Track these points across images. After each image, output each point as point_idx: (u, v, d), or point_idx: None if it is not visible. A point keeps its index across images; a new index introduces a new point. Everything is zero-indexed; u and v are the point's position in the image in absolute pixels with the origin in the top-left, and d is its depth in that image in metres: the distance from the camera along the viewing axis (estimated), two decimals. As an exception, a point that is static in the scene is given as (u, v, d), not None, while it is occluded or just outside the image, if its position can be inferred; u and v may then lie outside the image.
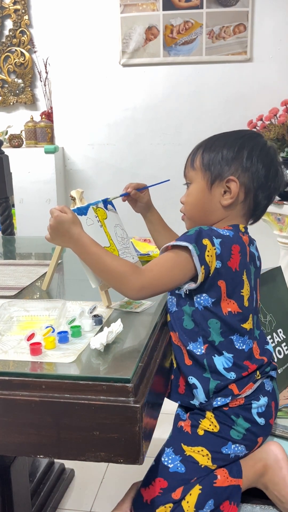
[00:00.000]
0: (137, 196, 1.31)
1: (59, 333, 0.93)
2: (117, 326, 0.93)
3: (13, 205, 3.13)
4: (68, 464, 1.81)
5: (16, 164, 2.62)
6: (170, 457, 1.03)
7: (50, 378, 0.83)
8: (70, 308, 1.09)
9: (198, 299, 1.02)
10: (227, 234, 1.04)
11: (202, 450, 1.02)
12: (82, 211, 1.13)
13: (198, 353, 1.02)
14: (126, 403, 0.79)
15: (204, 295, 1.01)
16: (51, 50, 3.23)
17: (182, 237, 1.01)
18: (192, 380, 1.04)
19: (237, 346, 1.04)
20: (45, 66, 3.33)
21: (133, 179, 3.55)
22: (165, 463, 1.03)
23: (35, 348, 0.89)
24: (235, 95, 3.06)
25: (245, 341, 1.05)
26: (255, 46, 3.00)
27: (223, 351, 1.03)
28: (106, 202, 1.22)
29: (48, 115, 3.34)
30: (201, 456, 1.01)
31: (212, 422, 1.03)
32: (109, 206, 1.24)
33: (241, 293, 1.04)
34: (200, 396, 1.03)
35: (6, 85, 3.44)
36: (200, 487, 0.99)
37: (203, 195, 1.10)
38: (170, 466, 1.02)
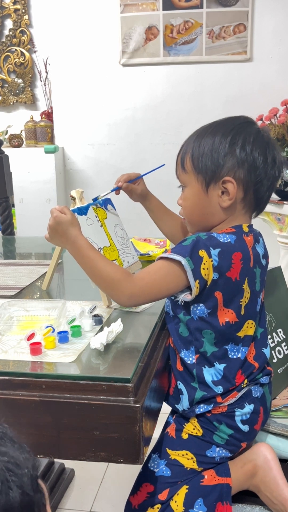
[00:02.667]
0: (130, 188, 1.28)
1: (59, 333, 0.93)
2: (117, 326, 0.93)
3: (13, 205, 3.13)
4: (68, 464, 1.81)
5: (16, 164, 2.62)
6: (156, 462, 1.03)
7: (50, 378, 0.83)
8: (70, 308, 1.09)
9: (194, 309, 0.99)
10: (228, 240, 0.98)
11: (186, 454, 1.01)
12: (82, 211, 1.14)
13: (189, 362, 1.01)
14: (126, 403, 0.79)
15: (200, 305, 0.98)
16: (51, 50, 3.23)
17: (177, 247, 0.97)
18: (180, 385, 1.03)
19: (230, 356, 1.01)
20: (45, 66, 3.33)
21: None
22: (151, 468, 1.03)
23: (35, 348, 0.89)
24: (235, 95, 3.06)
25: (239, 349, 1.02)
26: (255, 46, 3.00)
27: (215, 362, 1.00)
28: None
29: (48, 115, 3.34)
30: (186, 459, 1.01)
31: (195, 427, 1.02)
32: (109, 206, 1.24)
33: (240, 302, 1.00)
34: (184, 402, 1.02)
35: (6, 85, 3.44)
36: (187, 486, 0.99)
37: (200, 199, 1.03)
38: (156, 470, 1.02)
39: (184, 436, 1.03)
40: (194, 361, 1.00)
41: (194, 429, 1.02)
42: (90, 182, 3.31)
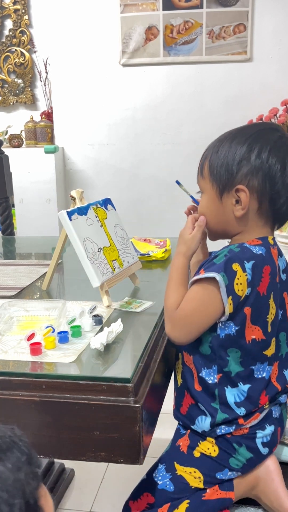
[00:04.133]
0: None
1: (59, 333, 0.93)
2: (117, 326, 0.93)
3: (13, 205, 3.13)
4: (68, 464, 1.81)
5: (16, 164, 2.62)
6: (161, 474, 1.01)
7: (50, 378, 0.83)
8: (70, 308, 1.09)
9: (222, 326, 0.93)
10: (260, 252, 0.93)
11: (195, 472, 0.98)
12: (82, 211, 1.14)
13: (210, 382, 0.95)
14: (126, 403, 0.79)
15: (229, 322, 0.92)
16: (51, 50, 3.23)
17: (210, 266, 0.92)
18: (200, 407, 0.98)
19: (256, 376, 0.96)
20: (45, 66, 3.33)
21: (133, 179, 3.58)
22: (155, 479, 1.00)
23: (35, 348, 0.89)
24: (235, 95, 3.06)
25: (265, 368, 0.97)
26: (255, 46, 3.00)
27: (239, 383, 0.95)
28: (107, 202, 1.22)
29: (48, 115, 3.34)
30: (193, 477, 0.98)
31: (212, 446, 0.97)
32: (109, 206, 1.24)
33: (267, 319, 0.95)
34: (204, 424, 0.97)
35: (6, 85, 3.44)
36: (188, 501, 0.97)
37: (215, 206, 0.99)
38: (159, 482, 1.00)
39: (196, 454, 0.98)
40: (216, 380, 0.95)
41: (209, 448, 0.97)
42: (90, 182, 3.31)
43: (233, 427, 0.96)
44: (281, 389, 1.00)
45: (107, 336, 0.89)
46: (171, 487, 0.99)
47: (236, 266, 0.90)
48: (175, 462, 1.00)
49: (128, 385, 0.80)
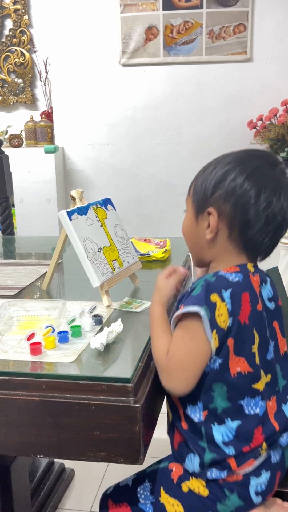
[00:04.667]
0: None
1: (59, 333, 0.93)
2: (117, 326, 0.93)
3: (13, 205, 3.13)
4: (68, 464, 1.81)
5: (16, 164, 2.62)
6: (145, 492, 0.98)
7: (50, 378, 0.83)
8: (70, 308, 1.09)
9: None
10: (237, 279, 0.88)
11: (177, 505, 0.93)
12: (82, 211, 1.14)
13: (196, 419, 0.90)
14: (126, 403, 0.79)
15: (213, 356, 0.87)
16: (51, 50, 3.23)
17: (189, 299, 0.87)
18: (187, 444, 0.92)
19: (247, 412, 0.89)
20: (45, 66, 3.33)
21: (133, 179, 3.59)
22: (138, 495, 0.98)
23: (35, 348, 0.89)
24: (235, 95, 3.06)
25: (258, 403, 0.90)
26: (255, 46, 3.00)
27: (226, 419, 0.89)
28: (107, 202, 1.22)
29: (48, 115, 3.34)
30: (174, 510, 0.94)
31: (202, 486, 0.92)
32: (109, 206, 1.24)
33: (252, 350, 0.89)
34: (194, 464, 0.91)
35: (6, 85, 3.44)
36: None
37: (192, 227, 0.96)
38: (141, 501, 0.97)
39: (185, 488, 0.93)
40: (202, 418, 0.89)
41: (199, 487, 0.92)
42: (90, 182, 3.31)
43: (225, 472, 0.90)
44: (280, 428, 0.92)
45: (107, 336, 0.89)
46: (150, 511, 0.96)
47: (214, 297, 0.85)
48: (161, 488, 0.96)
49: (128, 385, 0.80)
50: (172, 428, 0.98)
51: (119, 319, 0.95)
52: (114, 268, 1.15)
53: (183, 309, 0.86)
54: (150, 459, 1.01)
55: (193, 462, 0.92)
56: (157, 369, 0.90)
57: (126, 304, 1.12)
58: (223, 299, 0.85)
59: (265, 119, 2.84)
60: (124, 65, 3.13)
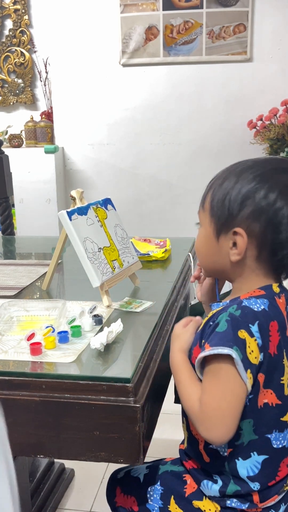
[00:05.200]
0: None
1: (59, 333, 0.93)
2: (117, 326, 0.93)
3: (13, 205, 3.13)
4: (68, 464, 1.81)
5: (16, 164, 2.62)
6: (154, 495, 0.98)
7: (50, 378, 0.83)
8: (70, 308, 1.09)
9: None
10: (262, 308, 0.83)
11: None
12: (82, 211, 1.14)
13: (221, 453, 0.87)
14: (126, 403, 0.79)
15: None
16: (51, 50, 3.23)
17: (214, 338, 0.81)
18: (209, 474, 0.90)
19: (275, 446, 0.85)
20: (45, 66, 3.33)
21: (133, 179, 3.58)
22: (148, 494, 0.98)
23: (35, 348, 0.89)
24: (235, 95, 3.06)
25: (286, 437, 0.86)
26: (255, 46, 3.00)
27: (253, 453, 0.85)
28: (107, 202, 1.22)
29: (48, 115, 3.34)
30: None
31: (216, 509, 0.90)
32: (109, 206, 1.24)
33: (281, 381, 0.84)
34: (212, 490, 0.89)
35: (6, 85, 3.44)
36: None
37: (210, 244, 0.89)
38: (149, 502, 0.98)
39: (196, 505, 0.91)
40: (226, 453, 0.86)
41: (211, 510, 0.90)
42: (90, 182, 3.31)
43: (246, 505, 0.87)
44: None
45: (107, 336, 0.89)
46: None
47: (242, 333, 0.79)
48: (172, 496, 0.95)
49: (128, 385, 0.80)
50: (187, 455, 0.96)
51: (119, 319, 0.95)
52: (114, 268, 1.15)
53: (211, 350, 0.80)
54: (149, 459, 1.02)
55: (210, 488, 0.90)
56: (191, 420, 0.85)
57: (126, 304, 1.12)
58: (252, 335, 0.80)
59: (265, 119, 2.84)
60: (124, 65, 3.13)
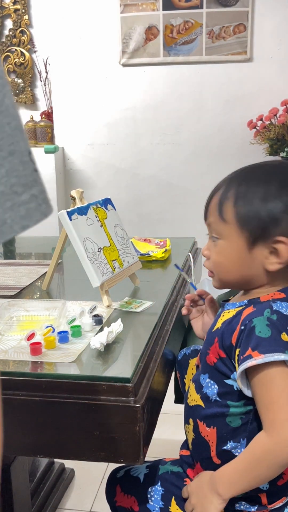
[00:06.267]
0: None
1: (59, 333, 0.93)
2: (117, 326, 0.93)
3: (13, 205, 3.13)
4: (68, 464, 1.81)
5: (16, 164, 2.61)
6: (155, 495, 0.98)
7: (50, 378, 0.83)
8: (70, 308, 1.09)
9: None
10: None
11: None
12: (82, 211, 1.14)
13: (236, 454, 0.87)
14: (126, 403, 0.79)
15: None
16: (51, 50, 3.23)
17: (262, 342, 0.79)
18: None
19: None
20: (45, 66, 3.33)
21: (133, 179, 3.57)
22: (148, 495, 0.98)
23: (35, 348, 0.89)
24: (235, 95, 3.06)
25: None
26: (255, 46, 3.00)
27: None
28: (107, 202, 1.22)
29: (48, 115, 3.34)
30: None
31: None
32: (109, 206, 1.24)
33: None
34: None
35: (6, 85, 3.44)
36: None
37: (240, 256, 0.87)
38: (150, 502, 0.98)
39: None
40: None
41: None
42: (90, 182, 3.31)
43: (255, 507, 0.88)
44: None
45: (107, 336, 0.89)
46: None
47: (285, 336, 0.80)
48: (173, 497, 0.95)
49: (128, 385, 0.80)
50: (192, 460, 0.96)
51: (119, 319, 0.95)
52: (114, 268, 1.15)
53: (265, 358, 0.78)
54: (150, 459, 1.01)
55: None
56: (265, 468, 0.81)
57: (126, 304, 1.12)
58: None
59: (265, 119, 2.84)
60: (124, 65, 3.12)
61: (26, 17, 3.31)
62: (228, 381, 0.86)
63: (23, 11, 3.30)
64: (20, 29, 3.34)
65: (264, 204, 0.84)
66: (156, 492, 0.98)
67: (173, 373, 1.13)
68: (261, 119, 2.85)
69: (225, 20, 2.97)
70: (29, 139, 3.28)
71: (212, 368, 0.89)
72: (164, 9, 2.99)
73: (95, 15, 3.08)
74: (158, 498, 0.98)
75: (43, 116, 3.35)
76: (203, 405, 0.90)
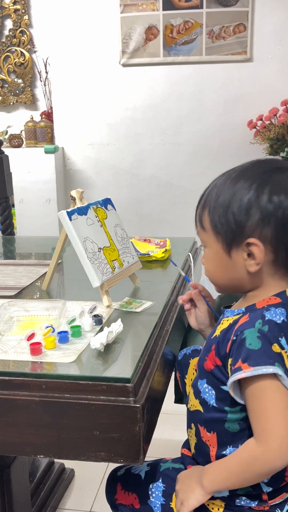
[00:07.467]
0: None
1: (59, 333, 0.93)
2: (117, 326, 0.93)
3: (13, 205, 3.13)
4: (68, 464, 1.81)
5: (16, 164, 2.62)
6: (156, 492, 0.98)
7: (50, 378, 0.83)
8: (70, 308, 1.09)
9: None
10: (282, 319, 0.82)
11: None
12: (82, 211, 1.14)
13: None
14: (126, 403, 0.79)
15: None
16: (51, 50, 3.23)
17: (251, 355, 0.79)
18: None
19: None
20: (45, 66, 3.33)
21: (133, 179, 3.58)
22: (149, 491, 0.98)
23: (35, 348, 0.89)
24: (235, 95, 3.06)
25: None
26: (255, 46, 3.00)
27: None
28: (107, 202, 1.22)
29: (48, 115, 3.34)
30: None
31: (220, 507, 0.90)
32: (109, 206, 1.24)
33: None
34: (223, 492, 0.89)
35: (6, 85, 3.44)
36: None
37: (222, 262, 0.88)
38: (151, 499, 0.98)
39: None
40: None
41: (213, 508, 0.90)
42: (90, 182, 3.31)
43: (255, 503, 0.88)
44: None
45: (107, 336, 0.89)
46: (159, 511, 0.97)
47: (276, 348, 0.79)
48: (174, 493, 0.95)
49: (128, 385, 0.80)
50: (194, 461, 0.96)
51: (119, 319, 0.95)
52: (114, 268, 1.15)
53: (253, 371, 0.78)
54: (149, 459, 1.02)
55: (219, 492, 0.89)
56: (252, 471, 0.81)
57: (126, 304, 1.12)
58: (282, 347, 0.80)
59: (265, 119, 2.84)
60: (124, 65, 3.12)
61: (26, 17, 3.31)
62: (225, 387, 0.86)
63: (23, 11, 3.30)
64: (20, 29, 3.34)
65: (230, 210, 0.84)
66: (157, 489, 0.99)
67: (173, 373, 1.13)
68: (261, 119, 2.85)
69: (225, 20, 2.97)
70: (29, 139, 3.28)
71: (209, 374, 0.89)
72: (164, 9, 2.99)
73: (95, 15, 3.08)
74: (159, 495, 0.98)
75: (43, 116, 3.35)
76: (202, 410, 0.91)
